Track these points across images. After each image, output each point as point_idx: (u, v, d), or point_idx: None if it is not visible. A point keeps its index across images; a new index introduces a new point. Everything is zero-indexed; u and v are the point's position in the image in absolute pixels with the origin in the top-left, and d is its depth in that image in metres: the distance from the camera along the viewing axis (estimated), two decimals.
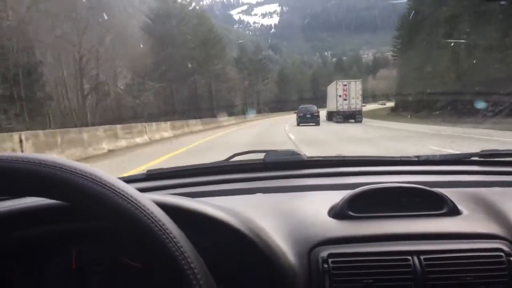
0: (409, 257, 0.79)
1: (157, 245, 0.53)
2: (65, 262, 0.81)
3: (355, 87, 35.44)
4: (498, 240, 0.84)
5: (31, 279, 0.81)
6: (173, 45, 45.34)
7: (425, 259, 0.79)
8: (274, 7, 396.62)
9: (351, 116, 35.53)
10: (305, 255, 0.81)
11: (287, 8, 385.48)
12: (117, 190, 0.54)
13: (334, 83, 37.53)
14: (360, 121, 34.77)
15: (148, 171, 1.32)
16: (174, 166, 1.37)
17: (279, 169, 1.35)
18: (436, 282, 0.78)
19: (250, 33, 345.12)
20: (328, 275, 0.78)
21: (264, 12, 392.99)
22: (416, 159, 1.42)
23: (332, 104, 37.70)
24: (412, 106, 42.01)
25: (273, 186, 1.18)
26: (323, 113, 42.05)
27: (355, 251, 0.81)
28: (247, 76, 78.83)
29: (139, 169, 6.87)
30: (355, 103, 35.41)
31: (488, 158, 1.41)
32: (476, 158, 1.42)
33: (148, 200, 0.56)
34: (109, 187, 0.54)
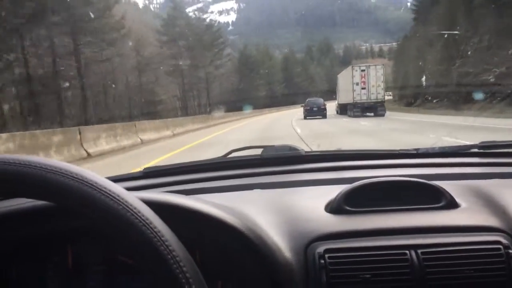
0: (407, 251, 0.79)
1: (143, 242, 0.53)
2: (62, 261, 0.82)
3: (376, 72, 28.98)
4: (496, 233, 0.83)
5: (27, 279, 0.81)
6: None
7: (422, 253, 0.79)
8: (231, 4, 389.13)
9: (371, 109, 28.91)
10: (302, 250, 0.80)
11: (244, 5, 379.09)
12: (102, 188, 0.54)
13: (349, 68, 30.86)
14: (383, 115, 28.24)
15: (145, 168, 1.32)
16: (172, 163, 1.38)
17: (277, 164, 1.35)
18: (434, 275, 0.77)
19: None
20: (325, 270, 0.78)
21: (221, 10, 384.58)
22: (415, 151, 1.42)
23: (346, 95, 31.00)
24: (420, 97, 36.44)
25: (270, 182, 1.19)
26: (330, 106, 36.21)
27: (352, 246, 0.81)
28: (185, 51, 51.29)
29: None
30: (376, 92, 28.89)
31: (487, 150, 1.40)
32: (476, 150, 1.41)
33: (134, 198, 0.56)
34: (94, 185, 0.53)
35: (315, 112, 29.48)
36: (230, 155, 1.50)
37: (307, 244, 0.81)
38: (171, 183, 1.20)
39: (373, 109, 28.82)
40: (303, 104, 32.55)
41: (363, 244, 0.81)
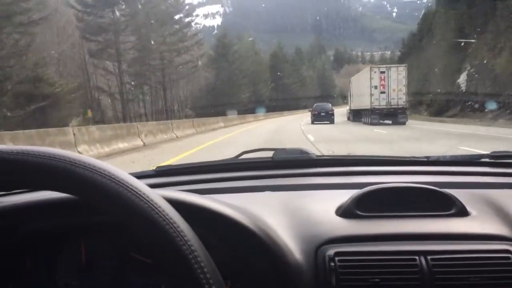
0: (416, 257, 0.79)
1: (166, 241, 0.53)
2: (75, 255, 0.83)
3: (397, 74, 25.44)
4: (506, 242, 0.83)
5: (40, 271, 0.83)
6: None
7: (432, 259, 0.79)
8: (217, 8, 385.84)
9: (390, 116, 25.49)
10: (312, 253, 0.81)
11: (230, 9, 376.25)
12: (128, 185, 0.54)
13: (366, 70, 27.25)
14: (403, 123, 24.83)
15: (157, 167, 1.35)
16: (184, 163, 1.42)
17: (288, 167, 1.36)
18: (443, 282, 0.78)
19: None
20: (335, 273, 0.78)
21: (207, 13, 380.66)
22: (426, 159, 1.43)
23: (362, 99, 27.37)
24: (434, 105, 33.25)
25: (281, 184, 1.20)
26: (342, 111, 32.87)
27: (362, 250, 0.81)
28: (127, 23, 34.02)
29: None
30: (397, 97, 25.45)
31: (499, 160, 1.40)
32: (487, 160, 1.42)
33: (158, 196, 0.56)
34: (120, 182, 0.54)
35: (323, 117, 28.93)
36: (241, 157, 1.51)
37: (318, 247, 0.81)
38: (183, 182, 1.22)
39: (393, 116, 25.39)
40: (311, 109, 32.15)
41: (373, 248, 0.81)
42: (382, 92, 25.55)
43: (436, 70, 35.42)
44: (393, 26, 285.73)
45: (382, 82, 25.56)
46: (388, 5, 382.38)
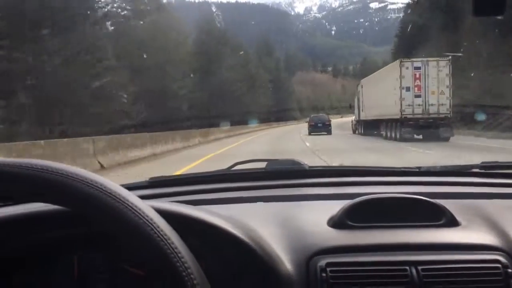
0: (407, 268, 0.80)
1: (156, 252, 0.54)
2: (67, 268, 0.83)
3: (437, 72, 18.52)
4: (495, 252, 0.84)
5: (33, 284, 0.82)
6: None
7: (422, 270, 0.80)
8: None
9: (428, 128, 18.43)
10: (304, 263, 0.81)
11: None
12: (118, 196, 0.54)
13: (393, 65, 20.06)
14: (447, 139, 17.92)
15: (150, 178, 1.34)
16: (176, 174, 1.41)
17: (281, 178, 1.36)
18: None
19: None
20: (326, 284, 0.79)
21: None
22: (417, 169, 1.43)
23: (386, 106, 20.21)
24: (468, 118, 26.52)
25: (274, 195, 1.20)
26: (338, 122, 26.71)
27: (354, 260, 0.82)
28: None
29: None
30: (438, 102, 18.49)
31: (489, 170, 1.42)
32: (477, 170, 1.43)
33: (149, 208, 0.57)
34: (111, 194, 0.54)
35: (320, 128, 28.87)
36: (234, 168, 1.51)
37: (309, 257, 0.82)
38: (175, 194, 1.22)
39: (431, 128, 18.36)
40: (307, 120, 31.92)
41: (365, 259, 0.82)
42: (417, 96, 18.58)
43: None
44: (333, 43, 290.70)
45: (417, 82, 18.58)
46: (327, 23, 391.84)
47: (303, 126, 32.80)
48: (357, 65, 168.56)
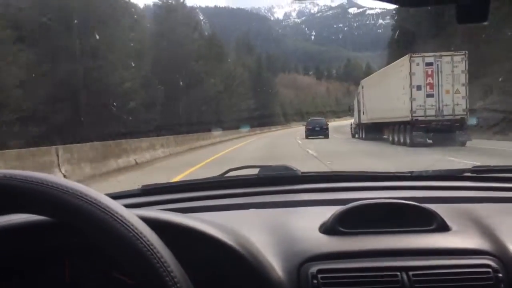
0: (398, 273, 0.80)
1: (140, 260, 0.54)
2: (59, 274, 0.82)
3: (452, 68, 16.46)
4: (486, 256, 0.84)
5: None
6: None
7: (413, 275, 0.80)
8: None
9: (443, 131, 16.34)
10: (295, 270, 0.81)
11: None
12: (101, 206, 0.55)
13: (402, 61, 17.83)
14: (464, 143, 15.89)
15: (143, 186, 1.34)
16: (168, 181, 1.38)
17: (273, 184, 1.35)
18: None
19: None
20: None
21: None
22: (409, 174, 1.44)
23: (392, 107, 18.03)
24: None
25: (266, 202, 1.19)
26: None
27: (345, 267, 0.82)
28: None
29: None
30: (453, 102, 16.40)
31: (480, 174, 1.42)
32: (469, 174, 1.43)
33: (133, 216, 0.57)
34: (94, 203, 0.55)
35: (317, 132, 28.11)
36: (227, 174, 1.51)
37: (301, 264, 0.82)
38: (168, 201, 1.21)
39: (448, 130, 16.21)
40: (305, 124, 31.22)
41: (356, 265, 0.82)
42: (430, 95, 16.39)
43: None
44: (313, 47, 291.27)
45: (429, 80, 16.42)
46: (306, 28, 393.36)
47: (292, 134, 30.20)
48: (341, 67, 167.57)
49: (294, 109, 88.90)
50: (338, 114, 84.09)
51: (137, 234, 0.54)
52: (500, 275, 0.80)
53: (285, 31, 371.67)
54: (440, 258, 0.83)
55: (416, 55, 16.75)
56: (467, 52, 16.52)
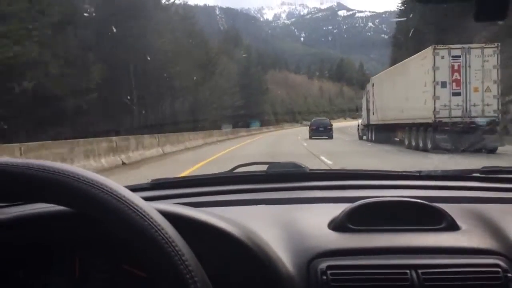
0: (407, 271, 0.80)
1: (160, 254, 0.55)
2: (69, 268, 0.83)
3: (482, 62, 14.21)
4: (495, 256, 0.84)
5: (34, 283, 0.82)
6: None
7: (422, 273, 0.80)
8: None
9: (471, 134, 14.10)
10: (304, 266, 0.82)
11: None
12: (123, 198, 0.56)
13: (425, 53, 15.44)
14: (495, 149, 13.71)
15: (152, 180, 1.35)
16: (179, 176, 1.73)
17: (282, 181, 1.36)
18: None
19: None
20: (327, 287, 0.80)
21: None
22: (418, 174, 1.44)
23: (409, 106, 15.71)
24: None
25: (275, 198, 1.20)
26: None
27: (354, 263, 0.83)
28: None
29: None
30: (483, 102, 14.17)
31: (489, 175, 1.42)
32: (477, 175, 1.43)
33: (153, 209, 0.58)
34: (116, 195, 0.55)
35: (321, 132, 27.87)
36: (236, 170, 1.51)
37: (310, 260, 0.82)
38: (177, 195, 1.22)
39: (473, 135, 13.96)
40: (309, 124, 31.33)
41: (365, 262, 0.83)
42: (456, 94, 14.12)
43: None
44: (303, 49, 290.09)
45: (456, 76, 14.14)
46: (296, 30, 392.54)
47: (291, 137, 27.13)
48: (333, 68, 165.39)
49: (285, 108, 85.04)
50: (332, 115, 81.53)
51: (152, 223, 0.54)
52: (510, 275, 0.80)
53: (274, 32, 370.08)
54: (449, 257, 0.83)
55: (441, 47, 14.45)
56: (499, 44, 14.31)
